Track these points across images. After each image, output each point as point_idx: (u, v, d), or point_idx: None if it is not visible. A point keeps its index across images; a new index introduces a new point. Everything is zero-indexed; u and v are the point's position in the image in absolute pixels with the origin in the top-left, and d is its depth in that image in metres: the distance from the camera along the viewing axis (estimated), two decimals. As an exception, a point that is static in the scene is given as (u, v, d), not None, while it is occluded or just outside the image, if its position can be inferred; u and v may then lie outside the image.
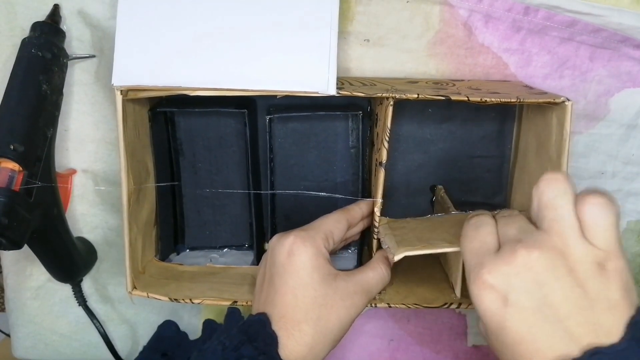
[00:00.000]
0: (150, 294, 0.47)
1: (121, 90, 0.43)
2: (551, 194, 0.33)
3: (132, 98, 0.45)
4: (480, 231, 0.36)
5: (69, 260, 0.51)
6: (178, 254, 0.55)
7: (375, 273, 0.44)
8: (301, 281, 0.41)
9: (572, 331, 0.31)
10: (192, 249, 0.56)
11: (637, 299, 0.32)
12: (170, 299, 0.46)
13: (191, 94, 0.43)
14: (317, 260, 0.42)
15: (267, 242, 0.55)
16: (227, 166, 0.53)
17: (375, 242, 0.46)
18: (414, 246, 0.42)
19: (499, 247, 0.35)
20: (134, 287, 0.47)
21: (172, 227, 0.54)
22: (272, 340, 0.40)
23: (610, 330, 0.31)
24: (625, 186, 0.55)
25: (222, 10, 0.44)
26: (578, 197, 0.33)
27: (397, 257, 0.41)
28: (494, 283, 0.33)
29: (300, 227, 0.44)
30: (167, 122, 0.52)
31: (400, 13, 0.50)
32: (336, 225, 0.45)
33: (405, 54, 0.51)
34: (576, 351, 0.31)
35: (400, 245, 0.43)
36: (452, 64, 0.51)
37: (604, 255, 0.32)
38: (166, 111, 0.51)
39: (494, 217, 0.38)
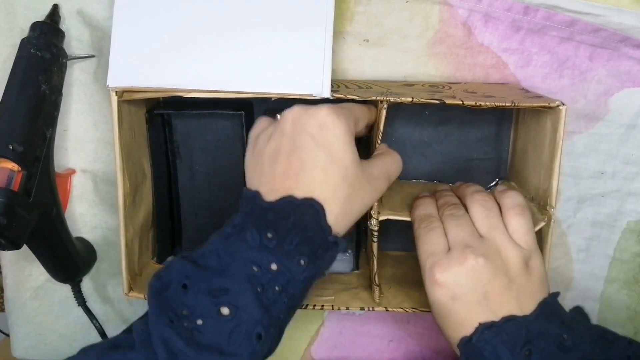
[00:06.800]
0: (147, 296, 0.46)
1: (116, 92, 0.43)
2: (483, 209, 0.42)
3: (128, 99, 0.45)
4: (432, 234, 0.42)
5: (68, 260, 0.51)
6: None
7: (392, 158, 0.43)
8: (333, 157, 0.37)
9: (500, 313, 0.39)
10: (189, 252, 0.56)
11: (549, 286, 0.41)
12: None
13: (186, 96, 0.43)
14: (350, 137, 0.38)
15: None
16: (224, 169, 0.53)
17: (375, 245, 0.46)
18: (398, 212, 0.45)
19: (449, 248, 0.41)
20: (131, 289, 0.47)
21: (169, 230, 0.54)
22: (327, 232, 0.37)
23: (527, 308, 0.39)
24: (625, 186, 0.54)
25: (218, 12, 0.43)
26: (502, 207, 0.42)
27: (380, 218, 0.44)
28: (444, 281, 0.39)
29: (328, 104, 0.39)
30: (164, 124, 0.52)
31: (399, 13, 0.50)
32: (363, 114, 0.42)
33: (404, 54, 0.51)
34: (497, 318, 0.38)
35: (386, 207, 0.44)
36: (451, 63, 0.51)
37: (527, 254, 0.41)
38: (163, 113, 0.51)
39: (439, 212, 0.44)
